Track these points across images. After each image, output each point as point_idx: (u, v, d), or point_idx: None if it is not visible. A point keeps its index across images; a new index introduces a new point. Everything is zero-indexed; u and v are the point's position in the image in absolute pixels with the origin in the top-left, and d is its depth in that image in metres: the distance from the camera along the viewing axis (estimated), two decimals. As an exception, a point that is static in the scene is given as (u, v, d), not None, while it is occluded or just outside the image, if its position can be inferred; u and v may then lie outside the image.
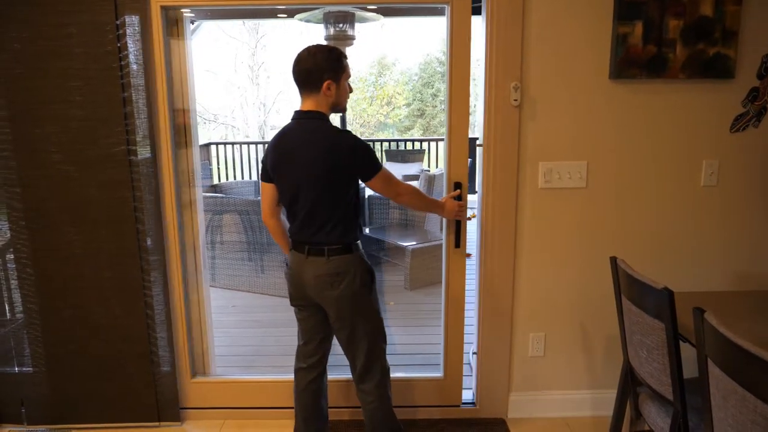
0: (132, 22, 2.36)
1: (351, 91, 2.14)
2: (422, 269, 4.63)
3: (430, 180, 5.33)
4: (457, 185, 2.58)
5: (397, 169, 8.06)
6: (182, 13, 2.55)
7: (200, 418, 2.77)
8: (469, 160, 8.38)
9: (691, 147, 2.50)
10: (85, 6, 2.33)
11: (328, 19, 5.26)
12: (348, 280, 2.08)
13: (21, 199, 2.50)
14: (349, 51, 5.46)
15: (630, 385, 2.10)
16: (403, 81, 19.44)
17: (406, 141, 10.60)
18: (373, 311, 2.18)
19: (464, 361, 3.30)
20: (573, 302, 2.66)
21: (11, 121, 2.44)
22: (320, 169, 2.00)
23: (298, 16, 5.36)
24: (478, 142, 2.62)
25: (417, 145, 9.43)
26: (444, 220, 2.63)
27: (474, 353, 2.81)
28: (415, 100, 19.29)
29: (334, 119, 2.16)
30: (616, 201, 2.56)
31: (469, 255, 5.52)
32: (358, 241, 2.15)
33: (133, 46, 2.37)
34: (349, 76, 2.10)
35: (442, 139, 9.62)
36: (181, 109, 2.63)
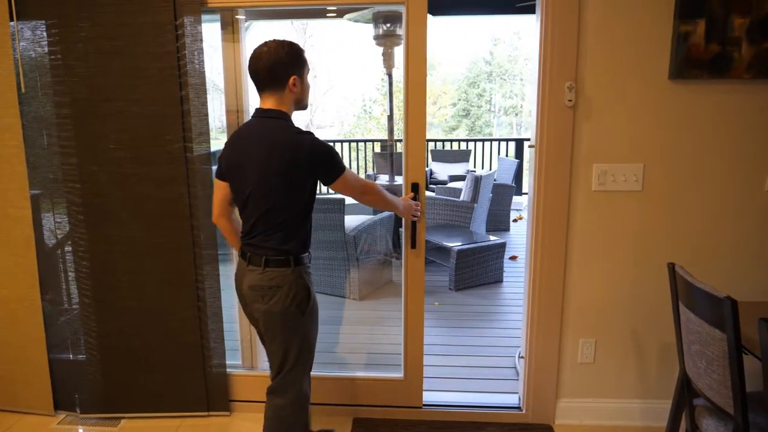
0: (189, 23, 2.42)
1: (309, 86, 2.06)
2: (468, 270, 4.60)
3: (477, 181, 5.28)
4: (414, 186, 2.54)
5: (443, 170, 8.03)
6: (236, 14, 2.59)
7: (247, 410, 2.81)
8: (516, 161, 8.28)
9: (755, 150, 2.40)
10: (146, 7, 2.40)
11: (377, 19, 5.28)
12: (280, 296, 1.96)
13: (80, 193, 2.60)
14: (397, 51, 5.48)
15: (686, 396, 2.03)
16: (449, 81, 19.35)
17: (452, 141, 10.56)
18: (301, 334, 2.03)
19: (510, 365, 3.26)
20: (626, 308, 2.58)
21: (74, 119, 2.53)
22: (276, 172, 1.89)
23: (347, 16, 5.40)
24: (529, 144, 2.57)
25: (462, 145, 9.37)
26: (403, 220, 2.60)
27: (521, 357, 2.77)
28: (460, 100, 19.17)
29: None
30: (673, 205, 2.47)
31: (515, 257, 5.48)
32: (304, 255, 2.03)
33: (190, 47, 2.43)
34: (309, 71, 2.02)
35: (488, 140, 9.56)
36: (234, 109, 2.68)
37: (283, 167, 1.89)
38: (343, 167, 2.00)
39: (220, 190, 2.10)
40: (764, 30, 2.27)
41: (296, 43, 1.96)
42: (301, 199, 1.96)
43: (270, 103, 1.96)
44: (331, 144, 2.06)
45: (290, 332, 2.02)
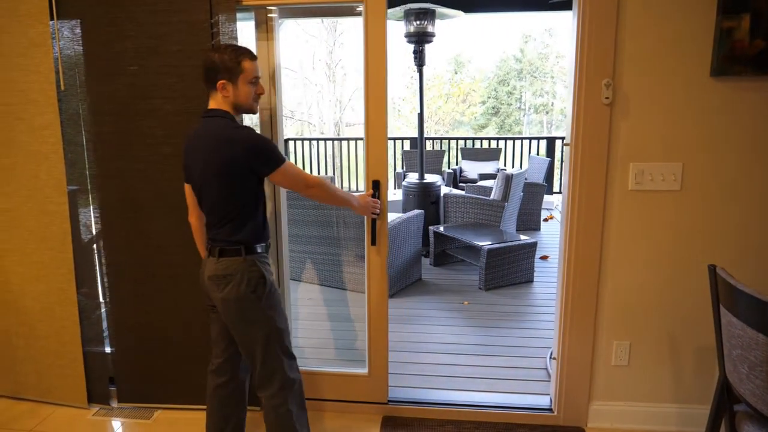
0: (224, 21, 2.44)
1: (261, 92, 2.09)
2: (498, 269, 4.56)
3: (508, 179, 5.23)
4: (375, 184, 2.52)
5: (473, 168, 7.97)
6: (270, 12, 2.60)
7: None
8: (548, 159, 8.17)
9: (801, 149, 2.32)
10: (182, 6, 2.43)
11: (409, 17, 5.26)
12: (234, 284, 2.03)
13: (117, 189, 2.65)
14: (427, 48, 5.45)
15: (726, 402, 1.97)
16: (479, 78, 19.22)
17: (482, 139, 10.48)
18: (264, 319, 2.09)
19: (542, 366, 3.22)
20: (662, 310, 2.53)
21: (111, 116, 2.58)
22: (215, 167, 1.97)
23: (378, 13, 5.39)
24: (565, 141, 2.53)
25: (492, 143, 9.29)
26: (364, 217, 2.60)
27: (553, 358, 2.73)
28: (489, 98, 19.03)
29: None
30: (713, 205, 2.41)
31: (546, 257, 5.42)
32: (258, 245, 2.09)
33: (225, 44, 2.45)
34: (252, 76, 2.03)
35: (518, 138, 9.45)
36: (267, 107, 2.69)
37: (221, 162, 1.97)
38: (282, 159, 2.03)
39: (187, 190, 2.20)
40: (812, 24, 2.19)
41: (241, 49, 2.02)
42: (243, 193, 2.02)
43: (211, 103, 2.05)
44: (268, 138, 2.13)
45: (250, 320, 2.08)
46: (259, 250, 2.10)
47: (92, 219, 2.74)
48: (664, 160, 2.39)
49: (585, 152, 2.40)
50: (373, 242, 2.61)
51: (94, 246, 2.81)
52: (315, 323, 3.93)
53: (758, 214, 2.39)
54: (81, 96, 2.61)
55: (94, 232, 2.77)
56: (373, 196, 2.52)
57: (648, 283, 2.51)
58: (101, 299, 2.84)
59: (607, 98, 2.34)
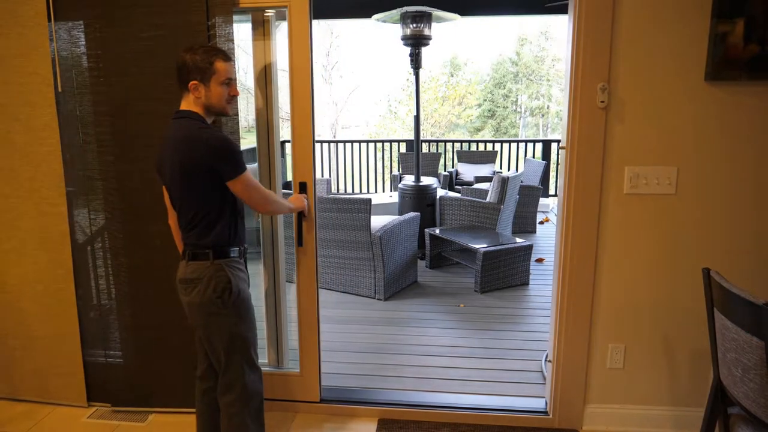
0: (221, 23, 2.44)
1: (235, 93, 2.08)
2: (493, 272, 4.56)
3: (503, 182, 5.24)
4: (302, 186, 2.56)
5: (469, 171, 7.99)
6: (267, 14, 2.61)
7: (273, 409, 2.83)
8: (544, 162, 8.19)
9: (795, 154, 2.34)
10: (179, 7, 2.43)
11: (405, 19, 5.28)
12: (199, 288, 2.02)
13: (116, 190, 2.65)
14: (424, 51, 5.46)
15: (720, 405, 1.98)
16: (475, 81, 19.26)
17: (477, 142, 10.50)
18: (228, 327, 2.07)
19: (537, 369, 3.23)
20: (657, 314, 2.54)
21: (109, 117, 2.58)
22: (180, 168, 1.96)
23: (375, 16, 5.42)
24: (561, 145, 2.54)
25: (488, 146, 9.31)
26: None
27: (548, 361, 2.74)
28: (486, 100, 19.06)
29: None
30: (708, 209, 2.42)
31: (541, 260, 5.43)
32: (230, 249, 2.07)
33: (222, 47, 2.44)
34: (225, 78, 2.01)
35: (514, 141, 9.49)
36: (264, 109, 2.70)
37: (186, 163, 1.96)
38: (243, 169, 2.00)
39: (165, 192, 2.19)
40: (806, 30, 2.21)
41: (215, 50, 2.02)
42: (210, 194, 2.00)
43: (183, 104, 2.05)
44: (239, 145, 2.17)
45: (214, 325, 2.07)
46: (231, 255, 2.07)
47: (89, 220, 2.74)
48: (659, 163, 2.40)
49: (580, 155, 2.41)
50: (300, 243, 2.64)
51: (92, 247, 2.80)
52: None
53: (752, 217, 2.41)
54: (79, 97, 2.61)
55: (91, 234, 2.77)
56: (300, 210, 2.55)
57: (643, 286, 2.52)
58: (97, 301, 2.84)
59: (602, 102, 2.35)
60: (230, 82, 2.05)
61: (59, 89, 2.59)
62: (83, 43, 2.54)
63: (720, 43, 2.25)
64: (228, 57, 2.04)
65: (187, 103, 2.03)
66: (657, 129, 2.38)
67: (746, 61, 2.25)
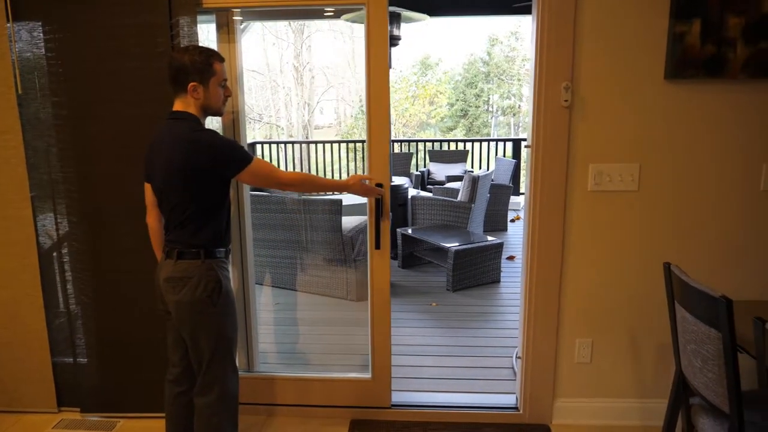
0: (185, 23, 2.42)
1: (229, 94, 2.10)
2: (465, 270, 4.60)
3: (474, 181, 5.28)
4: (378, 186, 2.53)
5: (440, 170, 8.03)
6: (233, 15, 2.59)
7: (244, 413, 2.81)
8: (513, 161, 8.26)
9: (751, 150, 2.41)
10: (142, 8, 2.40)
11: (374, 20, 5.27)
12: (190, 287, 2.01)
13: (79, 194, 2.60)
14: (394, 51, 5.48)
15: (682, 395, 2.03)
16: (445, 80, 19.35)
17: (449, 141, 10.55)
18: (216, 326, 2.07)
19: (508, 365, 3.26)
20: (622, 308, 2.59)
21: (72, 120, 2.53)
22: (179, 170, 1.96)
23: (344, 16, 5.39)
24: (525, 144, 2.58)
25: (460, 145, 9.37)
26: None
27: (518, 357, 2.77)
28: (458, 100, 19.17)
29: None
30: (669, 205, 2.48)
31: (512, 258, 5.48)
32: (218, 250, 2.07)
33: (186, 47, 2.42)
34: (222, 79, 2.04)
35: (485, 140, 9.54)
36: (230, 110, 2.67)
37: (183, 165, 1.95)
38: (249, 159, 2.02)
39: (147, 191, 2.18)
40: (759, 30, 2.27)
41: (209, 51, 2.01)
42: (205, 196, 2.01)
43: (177, 105, 2.04)
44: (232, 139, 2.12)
45: (201, 324, 2.06)
46: (218, 255, 2.08)
47: (55, 224, 2.69)
48: (622, 161, 2.45)
49: (546, 154, 2.45)
50: (377, 246, 2.59)
51: (57, 252, 2.75)
52: (288, 327, 3.90)
53: (712, 212, 2.47)
54: (42, 100, 2.55)
55: (57, 238, 2.72)
56: (377, 199, 2.50)
57: (609, 281, 2.57)
58: (64, 306, 2.79)
59: (566, 101, 2.39)
60: (225, 82, 2.07)
61: (19, 91, 2.53)
62: (44, 44, 2.48)
63: (678, 42, 2.31)
64: (222, 58, 2.05)
65: (184, 104, 2.02)
66: (619, 127, 2.42)
67: (703, 60, 2.31)
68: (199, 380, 2.13)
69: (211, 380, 2.11)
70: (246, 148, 2.73)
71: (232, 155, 2.00)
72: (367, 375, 2.77)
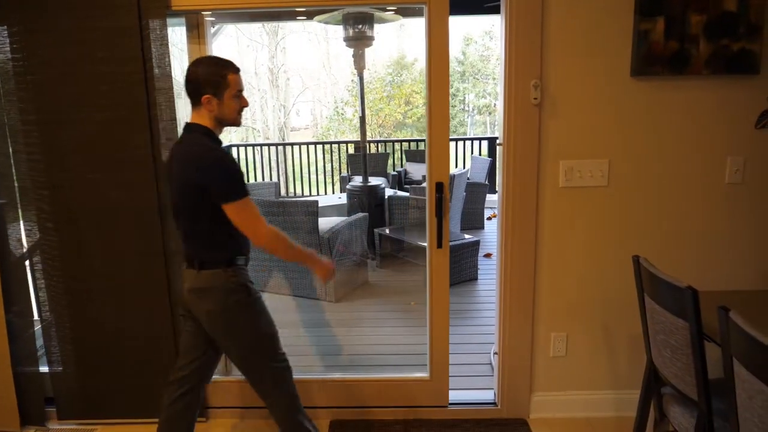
0: (155, 26, 2.40)
1: (246, 105, 2.05)
2: (442, 269, 4.62)
3: (450, 180, 5.31)
4: (439, 185, 2.59)
5: (417, 170, 8.06)
6: (203, 17, 2.58)
7: (222, 416, 2.80)
8: (489, 159, 8.30)
9: (716, 144, 2.47)
10: (110, 11, 2.37)
11: (347, 21, 5.29)
12: (217, 296, 2.03)
13: (49, 201, 2.56)
14: (367, 51, 5.49)
15: (654, 385, 2.08)
16: (421, 80, 19.42)
17: (425, 141, 10.57)
18: (251, 329, 2.09)
19: (486, 362, 3.29)
20: (595, 302, 2.64)
21: (40, 125, 2.49)
22: (185, 182, 1.96)
23: (317, 18, 5.40)
24: (498, 141, 2.61)
25: (436, 145, 9.38)
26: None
27: (495, 353, 2.80)
28: (434, 100, 19.24)
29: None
30: (638, 199, 2.53)
31: (489, 255, 5.52)
32: (238, 258, 2.07)
33: (158, 50, 2.40)
34: (238, 90, 2.01)
35: (461, 139, 9.56)
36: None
37: (190, 179, 1.94)
38: (241, 194, 1.95)
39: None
40: (720, 27, 2.33)
41: (225, 62, 1.99)
42: (213, 208, 1.96)
43: (193, 117, 2.03)
44: (236, 159, 2.09)
45: (241, 330, 2.08)
46: (238, 263, 2.07)
47: (23, 233, 2.64)
48: (591, 157, 2.49)
49: (517, 152, 2.48)
50: (440, 245, 2.61)
51: (26, 262, 2.70)
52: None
53: (679, 205, 2.53)
54: (7, 105, 2.51)
55: (25, 247, 2.67)
56: (438, 198, 2.57)
57: (581, 275, 2.61)
58: (36, 316, 2.74)
59: (535, 99, 2.43)
60: (240, 93, 2.03)
61: (-17, 97, 2.49)
62: (9, 48, 2.44)
63: (643, 40, 2.36)
64: (237, 69, 2.02)
65: (199, 117, 2.00)
66: (588, 123, 2.47)
67: (668, 57, 2.36)
68: (256, 387, 2.15)
69: (266, 383, 2.15)
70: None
71: (231, 183, 1.95)
72: (425, 374, 2.80)
